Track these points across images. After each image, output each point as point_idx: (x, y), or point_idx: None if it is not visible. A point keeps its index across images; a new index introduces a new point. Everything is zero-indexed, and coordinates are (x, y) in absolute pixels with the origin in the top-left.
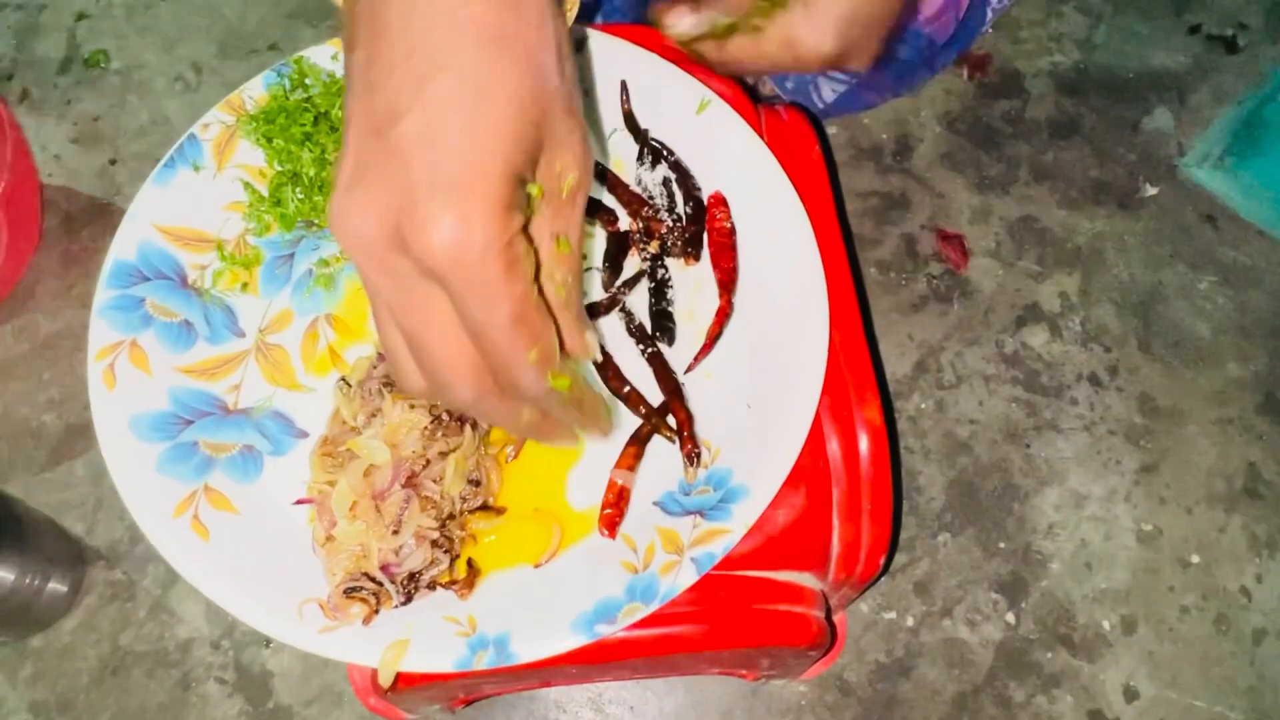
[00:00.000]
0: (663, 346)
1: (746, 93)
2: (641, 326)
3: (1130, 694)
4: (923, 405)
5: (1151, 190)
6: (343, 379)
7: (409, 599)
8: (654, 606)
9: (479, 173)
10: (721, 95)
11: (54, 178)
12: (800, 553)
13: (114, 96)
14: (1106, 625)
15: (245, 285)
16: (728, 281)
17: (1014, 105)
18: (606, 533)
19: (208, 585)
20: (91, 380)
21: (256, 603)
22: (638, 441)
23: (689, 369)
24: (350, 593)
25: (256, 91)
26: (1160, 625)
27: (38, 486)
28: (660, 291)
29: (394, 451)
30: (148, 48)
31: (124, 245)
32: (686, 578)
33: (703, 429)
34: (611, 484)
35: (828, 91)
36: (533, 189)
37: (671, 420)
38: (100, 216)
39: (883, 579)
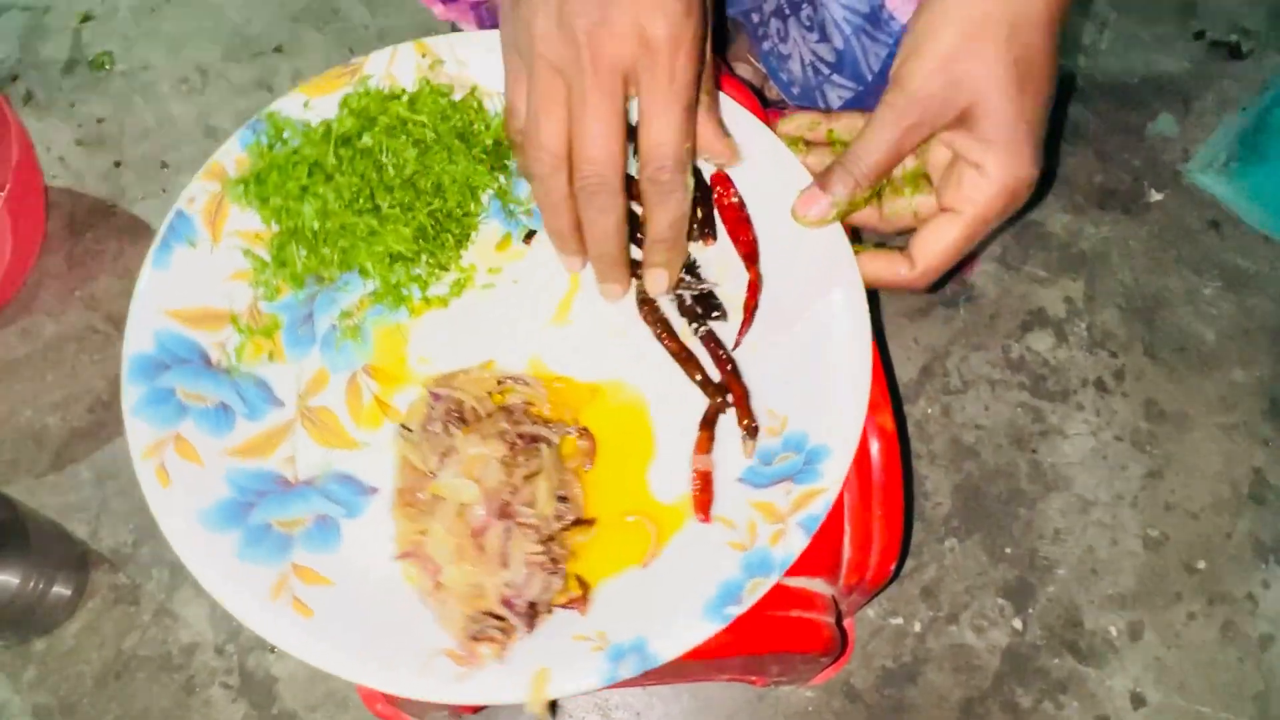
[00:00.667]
0: (715, 324)
1: (755, 95)
2: (693, 306)
3: (1137, 700)
4: (929, 410)
5: (1156, 195)
6: (403, 426)
7: (533, 627)
8: (775, 578)
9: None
10: (733, 98)
11: (58, 179)
12: (812, 558)
13: (119, 98)
14: (1113, 631)
15: (271, 354)
16: (751, 253)
17: None
18: (701, 517)
19: (329, 662)
20: (145, 482)
21: (385, 667)
22: (707, 425)
23: (735, 345)
24: (477, 636)
25: (235, 153)
26: (1167, 631)
27: (41, 489)
28: (692, 272)
29: (479, 485)
30: (153, 50)
31: (138, 338)
32: (797, 543)
33: (767, 399)
34: (696, 472)
35: (834, 98)
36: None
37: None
38: (105, 219)
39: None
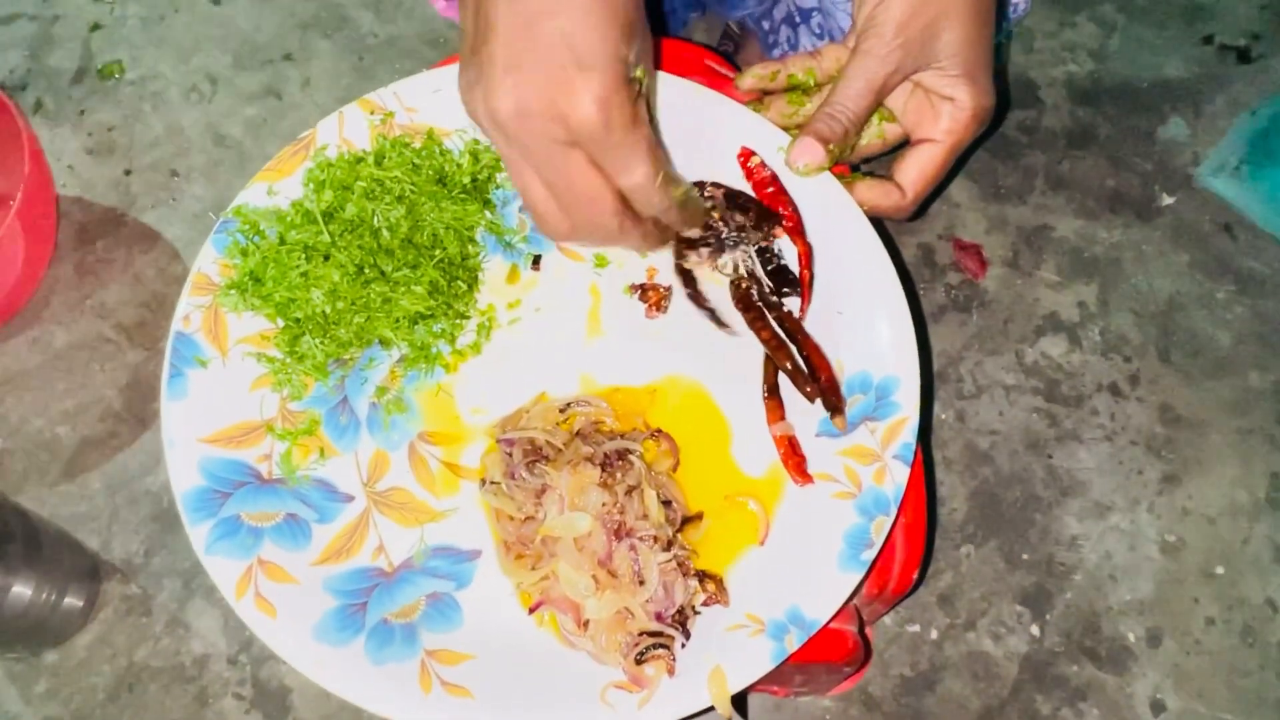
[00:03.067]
0: (789, 303)
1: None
2: (767, 296)
3: (1157, 707)
4: (943, 416)
5: (1168, 199)
6: (488, 482)
7: (689, 633)
8: (894, 512)
9: (611, 61)
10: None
11: (68, 188)
12: None
13: (128, 107)
14: (1131, 638)
15: (322, 451)
16: (796, 226)
17: (1029, 115)
18: (801, 480)
19: None
20: (250, 619)
21: (569, 719)
22: (772, 393)
23: (801, 318)
24: (641, 658)
25: (212, 259)
26: (1186, 637)
27: (52, 499)
28: (766, 253)
29: (588, 514)
30: (162, 58)
31: (183, 474)
32: (901, 474)
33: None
34: (778, 440)
35: None
36: (637, 72)
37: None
38: (115, 227)
39: None
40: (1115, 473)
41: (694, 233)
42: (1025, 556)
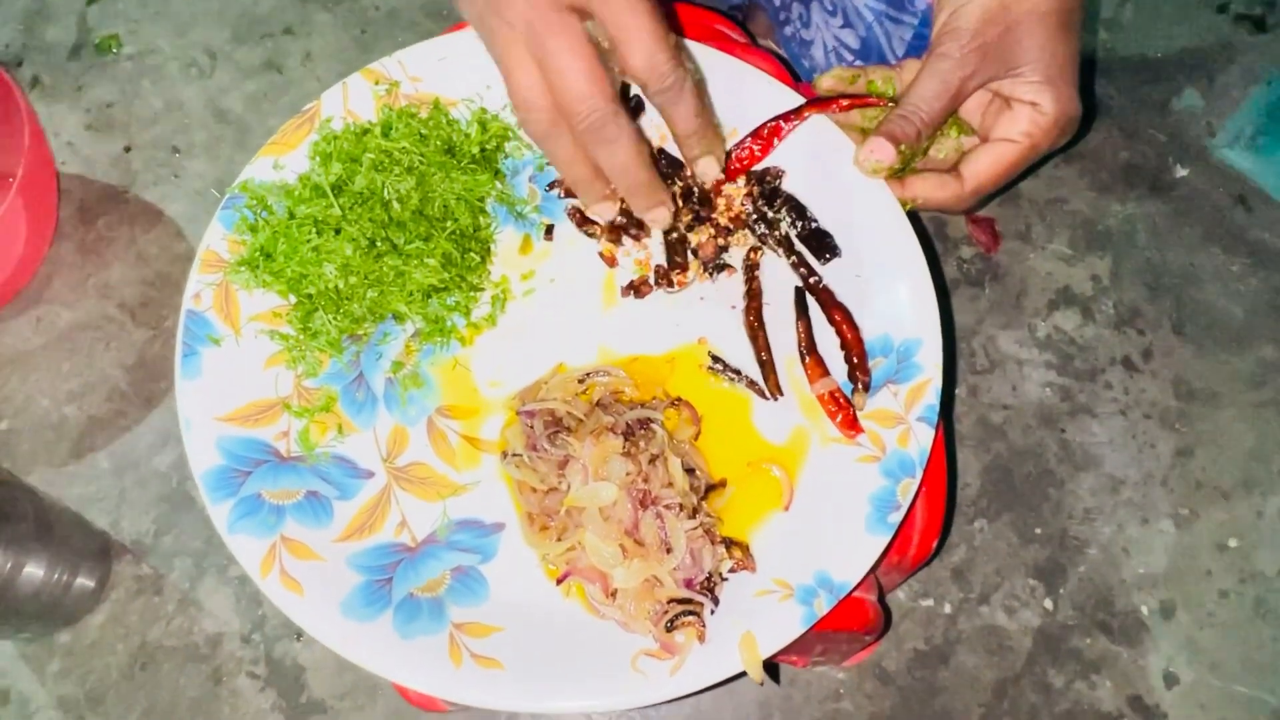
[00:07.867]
0: (824, 270)
1: (785, 66)
2: (797, 261)
3: (1170, 679)
4: (956, 390)
5: (1182, 171)
6: (510, 454)
7: (717, 600)
8: (919, 474)
9: None
10: (762, 69)
11: (68, 165)
12: None
13: (127, 82)
14: (1145, 610)
15: (340, 428)
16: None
17: None
18: (852, 433)
19: (554, 703)
20: (276, 595)
21: (604, 688)
22: (810, 352)
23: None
24: (671, 626)
25: (221, 236)
26: (1199, 610)
27: (61, 480)
28: (800, 210)
29: (613, 484)
30: (160, 33)
31: (202, 454)
32: (925, 436)
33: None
34: (822, 398)
35: None
36: None
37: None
38: (116, 205)
39: None
40: (1128, 446)
41: (713, 171)
42: (1038, 531)
